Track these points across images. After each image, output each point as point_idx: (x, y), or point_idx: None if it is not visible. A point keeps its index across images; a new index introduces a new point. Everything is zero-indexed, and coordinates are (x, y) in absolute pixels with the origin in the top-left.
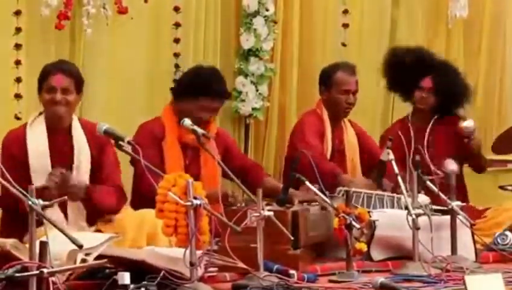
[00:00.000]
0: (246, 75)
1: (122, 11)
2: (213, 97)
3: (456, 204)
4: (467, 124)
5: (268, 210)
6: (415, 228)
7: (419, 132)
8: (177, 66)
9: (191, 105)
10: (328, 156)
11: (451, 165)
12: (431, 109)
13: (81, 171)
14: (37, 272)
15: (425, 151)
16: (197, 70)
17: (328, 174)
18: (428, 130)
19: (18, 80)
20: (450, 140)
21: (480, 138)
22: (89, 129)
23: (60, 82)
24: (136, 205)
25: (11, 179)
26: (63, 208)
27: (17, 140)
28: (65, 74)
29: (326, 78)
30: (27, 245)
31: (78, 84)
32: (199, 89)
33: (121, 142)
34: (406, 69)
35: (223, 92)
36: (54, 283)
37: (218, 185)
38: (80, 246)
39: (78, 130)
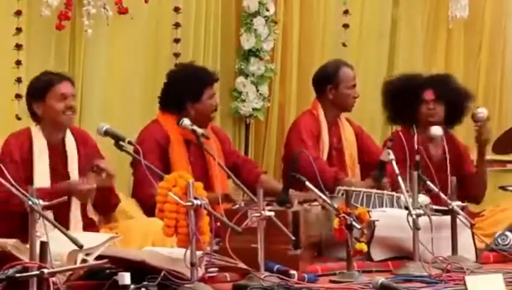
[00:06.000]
0: (246, 76)
1: (123, 11)
2: (212, 82)
3: (456, 204)
4: (480, 110)
5: (269, 210)
6: (416, 228)
7: (427, 148)
8: (177, 66)
9: (198, 103)
10: (326, 154)
11: (436, 130)
12: (440, 121)
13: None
14: (38, 272)
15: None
16: (178, 74)
17: (330, 179)
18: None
19: (18, 80)
20: (456, 157)
21: (491, 131)
22: (79, 140)
23: (69, 88)
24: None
25: (11, 180)
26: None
27: (21, 149)
28: (70, 81)
29: (332, 76)
30: (27, 245)
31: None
32: (202, 83)
33: (121, 142)
34: (405, 94)
35: (215, 74)
36: (54, 284)
37: (226, 179)
38: (80, 247)
39: (70, 139)
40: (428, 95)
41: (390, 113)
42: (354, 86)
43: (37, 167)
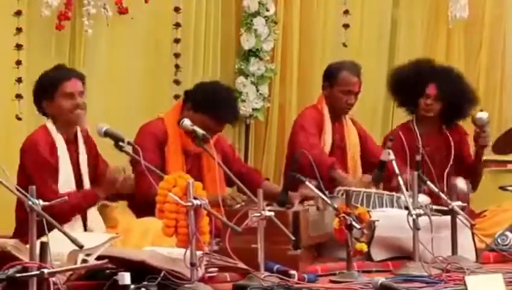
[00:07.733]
0: (246, 76)
1: (123, 11)
2: (221, 122)
3: (456, 204)
4: (480, 114)
5: (269, 210)
6: (416, 228)
7: (426, 139)
8: (177, 66)
9: (198, 120)
10: (328, 151)
11: (461, 183)
12: (436, 116)
13: (86, 177)
14: (38, 272)
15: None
16: (214, 90)
17: (324, 166)
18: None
19: (19, 80)
20: (453, 150)
21: (489, 137)
22: (83, 137)
23: (77, 86)
24: (135, 208)
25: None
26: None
27: (49, 147)
28: (78, 78)
29: (331, 75)
30: (28, 246)
31: (84, 86)
32: (209, 109)
33: (120, 143)
34: (410, 82)
35: (231, 119)
36: (54, 284)
37: (221, 190)
38: (81, 247)
39: (79, 135)
40: (431, 90)
41: (395, 99)
42: (351, 92)
43: (61, 166)
